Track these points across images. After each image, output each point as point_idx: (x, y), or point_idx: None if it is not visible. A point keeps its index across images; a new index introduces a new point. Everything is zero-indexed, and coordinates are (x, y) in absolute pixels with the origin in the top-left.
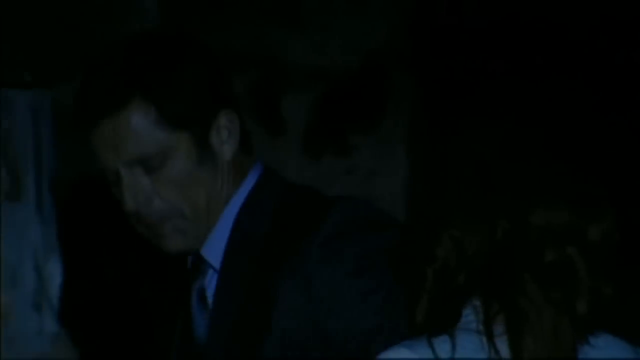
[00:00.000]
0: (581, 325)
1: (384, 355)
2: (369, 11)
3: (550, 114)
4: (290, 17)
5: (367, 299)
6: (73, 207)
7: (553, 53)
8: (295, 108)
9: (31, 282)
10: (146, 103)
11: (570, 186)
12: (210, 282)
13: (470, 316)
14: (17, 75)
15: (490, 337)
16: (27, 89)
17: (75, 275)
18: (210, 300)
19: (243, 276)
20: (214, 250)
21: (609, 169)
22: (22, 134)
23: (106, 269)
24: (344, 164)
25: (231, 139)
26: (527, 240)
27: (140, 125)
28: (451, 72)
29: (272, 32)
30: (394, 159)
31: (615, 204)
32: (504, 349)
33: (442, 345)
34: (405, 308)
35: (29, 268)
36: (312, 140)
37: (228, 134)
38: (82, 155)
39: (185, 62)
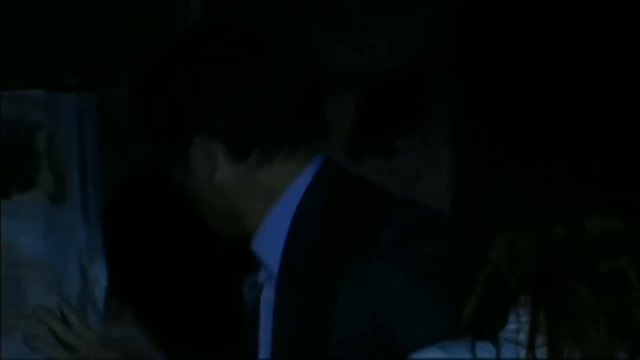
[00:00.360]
0: (630, 337)
1: (416, 355)
2: (412, 13)
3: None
4: (333, 18)
5: (429, 306)
6: (118, 209)
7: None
8: (339, 110)
9: (76, 284)
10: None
11: (623, 193)
12: (265, 279)
13: (512, 324)
14: (63, 78)
15: (531, 347)
16: (72, 91)
17: (120, 277)
18: (263, 295)
19: (303, 278)
20: (269, 249)
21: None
22: (68, 137)
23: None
24: (387, 167)
25: (209, 167)
26: (581, 249)
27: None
28: (495, 75)
29: (315, 34)
30: (438, 162)
31: None
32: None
33: (480, 352)
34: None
35: (74, 270)
36: (355, 142)
37: (207, 159)
38: (127, 157)
39: (168, 88)
